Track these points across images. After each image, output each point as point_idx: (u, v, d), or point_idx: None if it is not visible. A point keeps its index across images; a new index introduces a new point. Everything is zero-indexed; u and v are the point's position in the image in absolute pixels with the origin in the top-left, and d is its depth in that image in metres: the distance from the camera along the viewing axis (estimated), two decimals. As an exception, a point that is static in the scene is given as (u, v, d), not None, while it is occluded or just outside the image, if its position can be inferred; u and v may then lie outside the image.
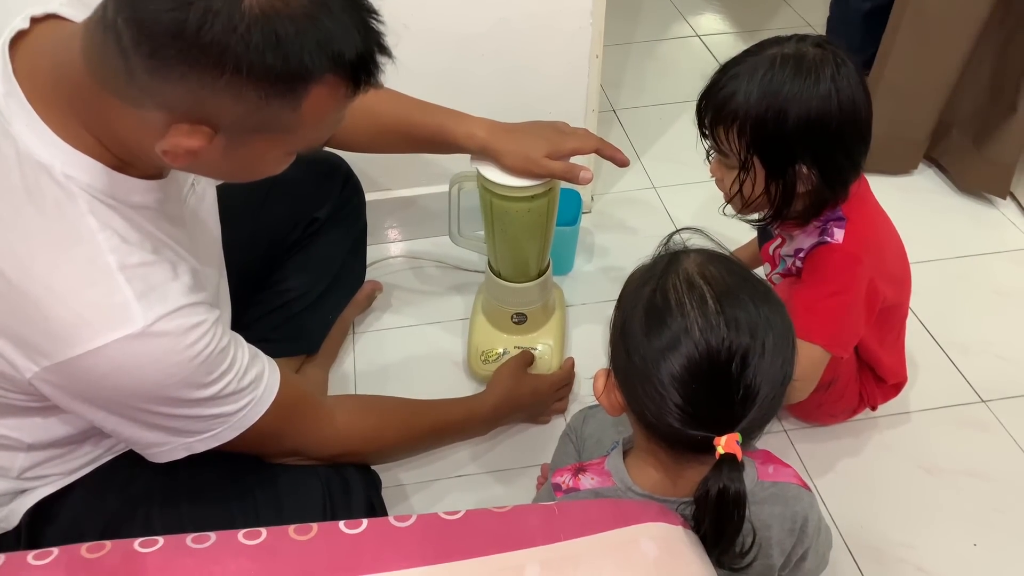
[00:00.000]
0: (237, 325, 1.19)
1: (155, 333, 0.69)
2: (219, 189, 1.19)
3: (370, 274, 1.42)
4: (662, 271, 0.69)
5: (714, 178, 1.03)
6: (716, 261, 0.69)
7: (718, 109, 0.94)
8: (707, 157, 1.03)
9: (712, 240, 0.74)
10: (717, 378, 0.64)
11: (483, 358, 1.28)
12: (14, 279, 0.66)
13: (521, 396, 1.20)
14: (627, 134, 1.86)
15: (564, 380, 1.27)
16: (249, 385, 0.79)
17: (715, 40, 2.22)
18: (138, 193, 0.73)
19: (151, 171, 0.75)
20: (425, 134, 1.08)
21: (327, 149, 1.17)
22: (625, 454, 0.78)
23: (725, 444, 0.63)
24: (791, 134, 0.91)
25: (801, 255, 1.03)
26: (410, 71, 1.32)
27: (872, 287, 1.01)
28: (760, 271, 1.33)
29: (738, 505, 0.63)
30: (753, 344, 0.64)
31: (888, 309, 1.08)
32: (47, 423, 0.80)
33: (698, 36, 2.24)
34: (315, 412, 0.92)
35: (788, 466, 0.78)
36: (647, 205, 1.67)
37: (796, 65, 0.90)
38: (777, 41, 0.94)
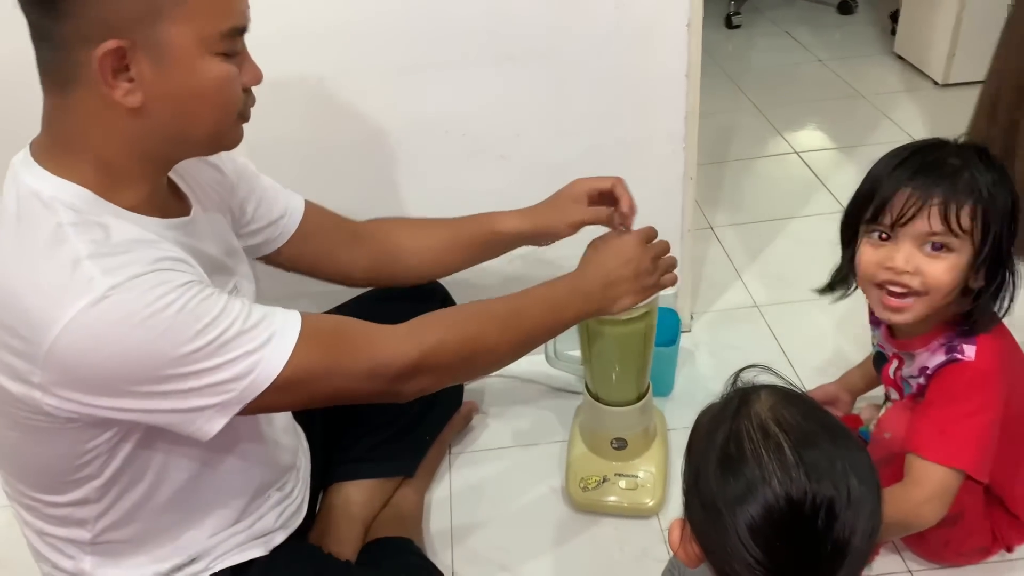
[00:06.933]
0: (336, 446, 1.22)
1: (117, 295, 0.70)
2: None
3: (467, 395, 1.43)
4: (733, 415, 0.67)
5: (900, 272, 0.93)
6: (789, 403, 0.66)
7: (951, 186, 0.90)
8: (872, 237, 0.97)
9: (782, 377, 0.72)
10: (802, 533, 0.61)
11: (582, 485, 1.24)
12: (4, 282, 0.71)
13: (604, 251, 1.07)
14: (726, 251, 1.84)
15: (649, 235, 1.09)
16: (260, 322, 0.77)
17: (814, 156, 2.20)
18: (131, 223, 0.77)
19: (144, 193, 0.80)
20: (472, 237, 1.16)
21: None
22: None
23: None
24: (1015, 216, 0.91)
25: (927, 373, 0.98)
26: (506, 199, 1.37)
27: (1008, 406, 0.94)
28: (864, 396, 1.29)
29: None
30: (838, 494, 0.60)
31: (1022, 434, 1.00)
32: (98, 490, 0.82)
33: (796, 152, 2.23)
34: (365, 327, 0.87)
35: None
36: (750, 324, 1.63)
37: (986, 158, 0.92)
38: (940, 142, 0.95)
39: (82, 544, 0.86)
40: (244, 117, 0.82)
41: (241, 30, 0.77)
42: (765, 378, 0.71)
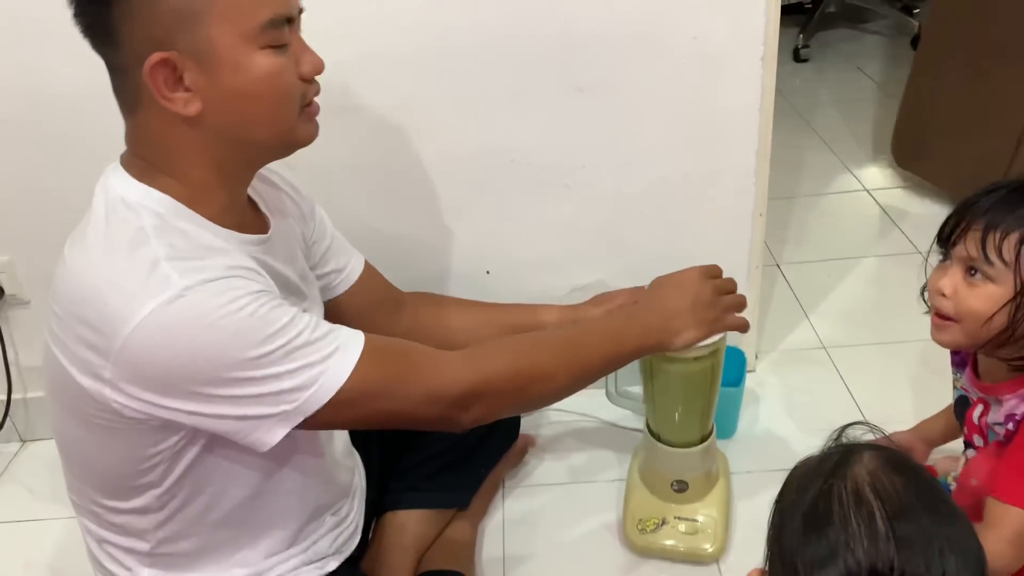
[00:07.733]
0: (391, 474, 1.21)
1: (192, 295, 0.72)
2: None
3: (524, 429, 1.40)
4: (828, 472, 0.63)
5: (938, 295, 0.93)
6: (893, 469, 0.62)
7: (999, 214, 0.88)
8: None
9: (890, 439, 0.69)
10: None
11: (640, 526, 1.21)
12: (86, 278, 0.75)
13: (664, 285, 1.05)
14: (792, 289, 1.79)
15: (712, 271, 1.07)
16: (327, 335, 0.78)
17: (885, 194, 2.14)
18: (210, 233, 0.79)
19: (222, 204, 0.81)
20: (513, 323, 1.16)
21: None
22: None
23: None
24: None
25: (1016, 419, 0.93)
26: (569, 228, 1.37)
27: None
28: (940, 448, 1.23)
29: None
30: (929, 574, 0.56)
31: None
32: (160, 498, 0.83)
33: (866, 190, 2.17)
34: (427, 350, 0.87)
35: None
36: (817, 365, 1.57)
37: None
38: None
39: (140, 555, 0.87)
40: (311, 110, 0.82)
41: (284, 19, 0.76)
42: (872, 437, 0.68)
